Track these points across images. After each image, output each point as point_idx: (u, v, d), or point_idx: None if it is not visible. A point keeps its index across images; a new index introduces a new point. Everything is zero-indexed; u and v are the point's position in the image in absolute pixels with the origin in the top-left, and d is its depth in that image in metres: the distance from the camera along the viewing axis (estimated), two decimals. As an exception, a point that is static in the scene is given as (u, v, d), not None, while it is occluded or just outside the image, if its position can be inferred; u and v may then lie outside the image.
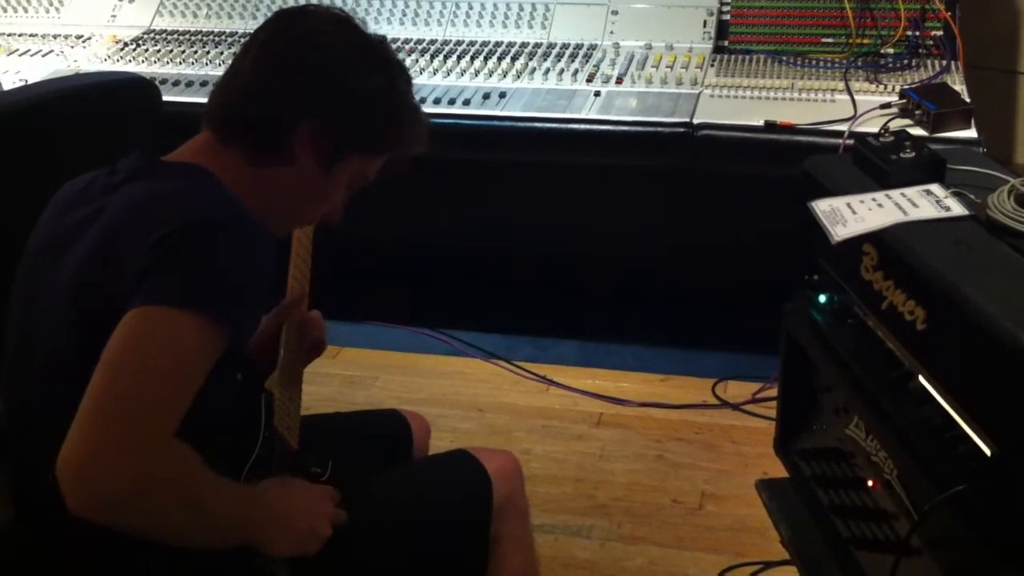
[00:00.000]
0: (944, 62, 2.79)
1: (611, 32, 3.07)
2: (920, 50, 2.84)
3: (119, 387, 1.22)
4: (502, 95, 2.83)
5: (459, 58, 3.02)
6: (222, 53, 3.13)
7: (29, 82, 2.90)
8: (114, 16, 3.42)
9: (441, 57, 3.02)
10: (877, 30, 2.86)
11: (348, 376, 3.04)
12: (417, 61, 3.01)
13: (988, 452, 1.25)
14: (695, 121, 2.65)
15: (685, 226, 3.01)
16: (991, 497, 1.24)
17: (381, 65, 1.52)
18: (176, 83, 2.99)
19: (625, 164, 2.80)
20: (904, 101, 2.53)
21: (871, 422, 1.52)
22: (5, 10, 3.51)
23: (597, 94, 2.81)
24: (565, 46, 3.05)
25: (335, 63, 1.48)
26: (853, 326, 1.56)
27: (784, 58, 2.89)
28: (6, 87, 2.88)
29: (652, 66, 2.90)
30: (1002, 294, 1.23)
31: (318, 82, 1.46)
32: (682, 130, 2.64)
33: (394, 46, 3.00)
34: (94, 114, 2.15)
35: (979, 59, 2.99)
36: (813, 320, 1.67)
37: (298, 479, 1.50)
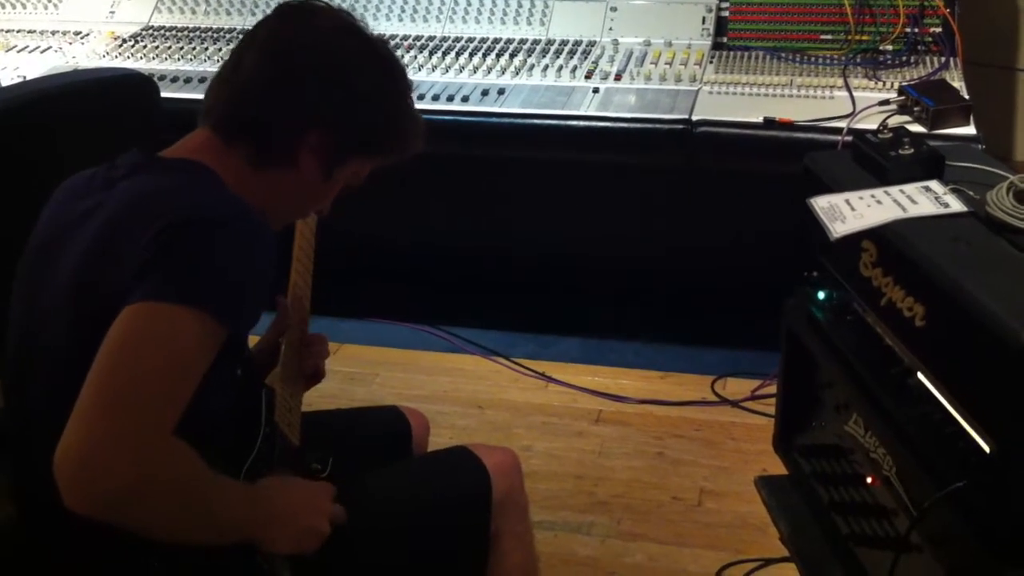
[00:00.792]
0: (943, 59, 2.79)
1: (610, 29, 3.06)
2: (919, 47, 2.84)
3: (117, 383, 1.21)
4: (501, 92, 2.83)
5: (458, 55, 3.01)
6: (220, 50, 3.12)
7: (27, 78, 2.90)
8: (112, 12, 3.41)
9: (440, 53, 3.02)
10: (876, 27, 2.86)
11: (348, 372, 3.05)
12: (416, 58, 3.01)
13: (987, 449, 1.25)
14: (694, 118, 2.64)
15: (684, 223, 3.01)
16: (990, 493, 1.24)
17: (384, 69, 1.52)
18: (174, 79, 2.98)
19: (624, 161, 2.79)
20: (903, 98, 2.53)
21: (870, 419, 1.52)
22: (3, 6, 3.50)
23: (596, 91, 2.81)
24: (564, 43, 3.04)
25: (340, 67, 1.47)
26: (852, 323, 1.56)
27: (783, 55, 2.88)
28: (4, 83, 2.88)
29: (651, 63, 2.90)
30: (1001, 291, 1.23)
31: (324, 88, 1.45)
32: (681, 127, 2.64)
33: (393, 42, 3.00)
34: (92, 111, 2.15)
35: (978, 56, 2.99)
36: (812, 317, 1.68)
37: (298, 476, 1.50)
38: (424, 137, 1.59)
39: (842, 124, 2.52)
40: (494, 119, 2.76)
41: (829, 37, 2.90)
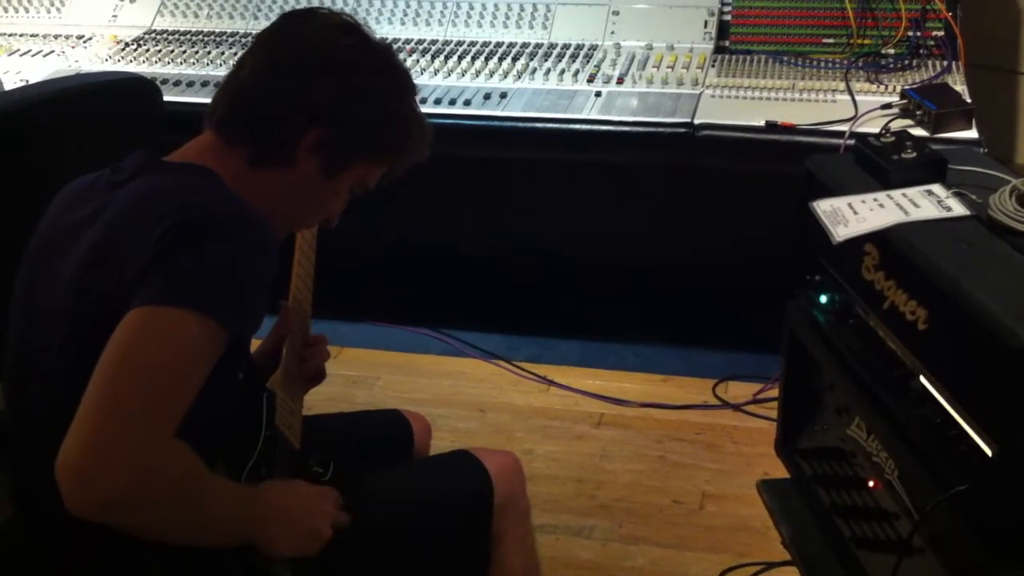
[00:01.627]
0: (945, 62, 2.78)
1: (612, 32, 3.06)
2: (921, 50, 2.84)
3: (118, 386, 1.22)
4: (503, 95, 2.83)
5: (460, 58, 3.02)
6: (223, 53, 3.12)
7: (30, 82, 2.90)
8: (115, 16, 3.41)
9: (442, 57, 3.02)
10: (878, 30, 2.86)
11: (349, 376, 3.05)
12: (418, 61, 3.01)
13: (989, 452, 1.25)
14: (696, 121, 2.64)
15: (686, 226, 3.01)
16: (992, 496, 1.24)
17: (387, 72, 1.52)
18: (177, 83, 2.98)
19: (626, 164, 2.80)
20: (905, 101, 2.53)
21: (872, 422, 1.52)
22: (6, 10, 3.50)
23: (598, 94, 2.81)
24: (566, 46, 3.05)
25: (339, 66, 1.48)
26: (854, 326, 1.56)
27: (785, 58, 2.88)
28: (7, 87, 2.88)
29: (653, 66, 2.90)
30: (1004, 294, 1.23)
31: (322, 86, 1.46)
32: (683, 130, 2.64)
33: (395, 46, 3.01)
34: (95, 114, 2.15)
35: (980, 59, 2.99)
36: (815, 320, 1.67)
37: (299, 479, 1.50)
38: (430, 142, 1.59)
39: (844, 128, 2.51)
40: (496, 123, 2.76)
41: (831, 41, 2.90)
